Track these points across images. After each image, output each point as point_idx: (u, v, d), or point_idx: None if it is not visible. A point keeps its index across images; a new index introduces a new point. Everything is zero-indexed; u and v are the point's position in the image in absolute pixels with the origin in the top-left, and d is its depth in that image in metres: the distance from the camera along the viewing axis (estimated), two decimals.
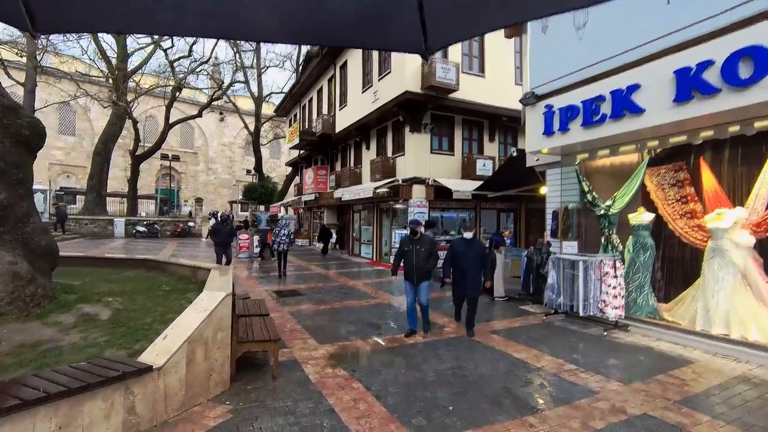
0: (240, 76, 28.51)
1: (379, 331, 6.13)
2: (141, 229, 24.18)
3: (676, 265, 6.35)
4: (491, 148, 15.15)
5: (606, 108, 5.77)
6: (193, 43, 24.20)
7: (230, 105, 35.81)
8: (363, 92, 15.61)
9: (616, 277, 5.99)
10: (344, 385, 4.08)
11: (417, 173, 13.27)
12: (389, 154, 14.81)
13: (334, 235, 19.55)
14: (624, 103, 5.51)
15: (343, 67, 17.96)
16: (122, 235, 24.02)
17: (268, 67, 33.49)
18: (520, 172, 9.64)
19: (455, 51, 13.46)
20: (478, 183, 12.26)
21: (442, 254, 6.19)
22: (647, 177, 6.51)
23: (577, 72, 6.24)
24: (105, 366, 2.91)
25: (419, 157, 13.45)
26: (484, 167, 14.20)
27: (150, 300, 4.79)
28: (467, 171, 14.07)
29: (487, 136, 15.09)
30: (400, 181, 13.58)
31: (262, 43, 31.61)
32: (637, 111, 5.38)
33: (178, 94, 26.07)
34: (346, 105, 17.48)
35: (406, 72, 12.55)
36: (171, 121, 26.54)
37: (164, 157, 30.84)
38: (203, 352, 3.54)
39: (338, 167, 19.87)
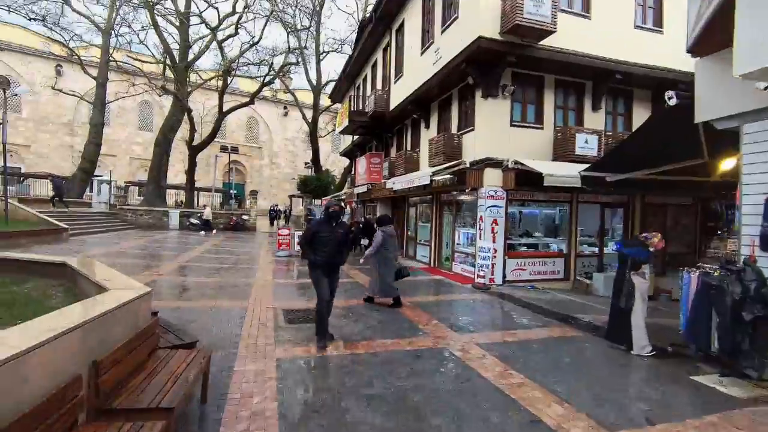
0: (293, 58, 26.82)
1: None
2: (194, 221, 23.57)
3: None
4: (595, 120, 11.07)
5: None
6: (239, 20, 22.72)
7: (291, 98, 34.60)
8: (422, 53, 12.42)
9: None
10: None
11: (491, 153, 9.81)
12: (454, 130, 11.49)
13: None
14: None
15: (400, 30, 14.90)
16: (177, 226, 23.69)
17: (327, 53, 31.66)
18: (672, 137, 5.85)
19: None
20: (577, 166, 8.48)
21: None
22: None
23: None
24: None
25: (494, 132, 9.97)
26: (587, 144, 10.24)
27: None
28: (561, 150, 10.26)
29: (590, 103, 11.05)
30: (467, 164, 10.23)
31: (321, 26, 29.77)
32: None
33: (230, 79, 25.04)
34: (401, 75, 14.42)
35: (480, 11, 9.13)
36: (225, 109, 25.63)
37: (224, 149, 30.54)
38: None
39: (393, 153, 16.91)
